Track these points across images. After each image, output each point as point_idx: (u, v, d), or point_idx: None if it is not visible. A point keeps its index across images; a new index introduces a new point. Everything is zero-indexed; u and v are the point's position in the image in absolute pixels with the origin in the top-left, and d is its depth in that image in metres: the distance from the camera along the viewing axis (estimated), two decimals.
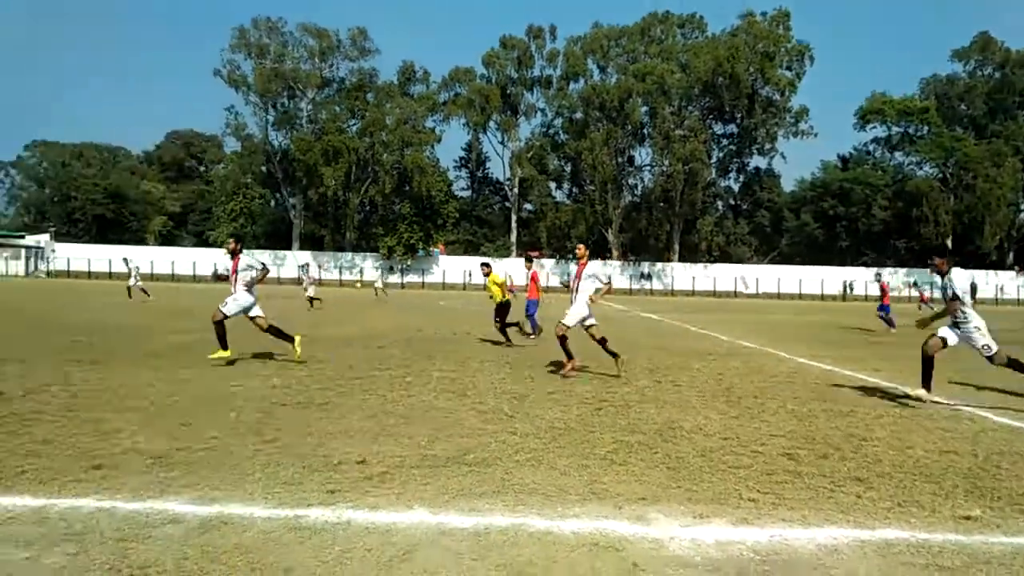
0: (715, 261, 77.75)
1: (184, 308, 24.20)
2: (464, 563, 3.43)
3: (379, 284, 43.93)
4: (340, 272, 73.81)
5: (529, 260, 16.74)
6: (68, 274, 64.57)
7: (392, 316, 23.68)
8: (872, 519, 4.25)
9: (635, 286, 72.69)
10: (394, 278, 72.25)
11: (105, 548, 3.46)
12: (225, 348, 10.28)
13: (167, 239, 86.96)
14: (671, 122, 72.75)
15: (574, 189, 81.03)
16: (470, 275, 69.39)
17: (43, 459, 4.96)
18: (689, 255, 77.41)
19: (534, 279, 16.25)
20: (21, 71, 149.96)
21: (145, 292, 28.19)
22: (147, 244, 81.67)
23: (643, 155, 79.62)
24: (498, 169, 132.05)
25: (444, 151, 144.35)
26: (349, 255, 76.59)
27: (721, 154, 79.51)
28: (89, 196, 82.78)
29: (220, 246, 75.63)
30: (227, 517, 3.95)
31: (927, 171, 78.33)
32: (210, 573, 3.22)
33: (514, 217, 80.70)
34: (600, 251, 79.53)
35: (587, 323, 10.35)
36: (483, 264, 16.10)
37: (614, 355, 10.33)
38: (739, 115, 74.64)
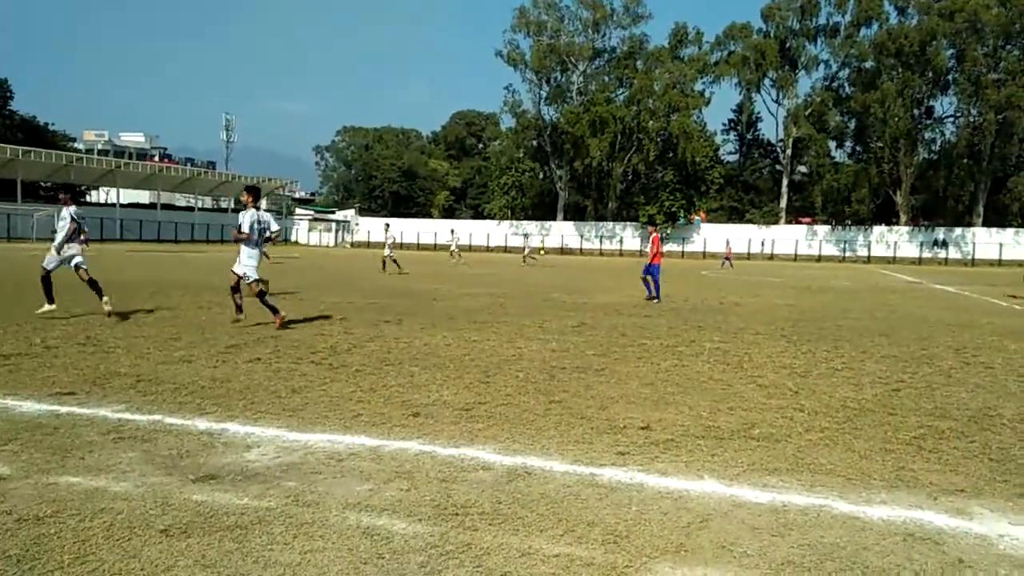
0: None
1: (469, 275, 26.36)
2: (763, 538, 3.39)
3: (387, 252, 42.59)
4: (601, 242, 75.10)
5: (653, 225, 18.24)
6: (368, 244, 73.29)
7: None
8: None
9: (925, 255, 64.61)
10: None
11: (431, 487, 3.95)
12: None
13: (448, 212, 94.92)
14: (983, 65, 62.86)
15: (857, 147, 73.77)
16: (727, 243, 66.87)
17: (371, 405, 5.77)
18: (996, 219, 66.78)
19: (655, 243, 16.87)
20: (328, 62, 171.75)
21: (397, 264, 26.60)
22: (432, 217, 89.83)
23: (944, 105, 70.06)
24: (770, 130, 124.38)
25: (713, 114, 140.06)
26: (610, 224, 77.59)
27: None
28: (387, 175, 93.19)
29: (493, 218, 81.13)
30: (530, 468, 4.29)
31: None
32: (523, 518, 3.54)
33: (785, 181, 75.81)
34: (884, 215, 71.84)
35: None
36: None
37: None
38: None
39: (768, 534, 3.43)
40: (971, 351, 9.69)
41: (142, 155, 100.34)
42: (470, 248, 70.97)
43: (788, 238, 69.92)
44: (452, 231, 46.28)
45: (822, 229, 71.70)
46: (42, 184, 65.30)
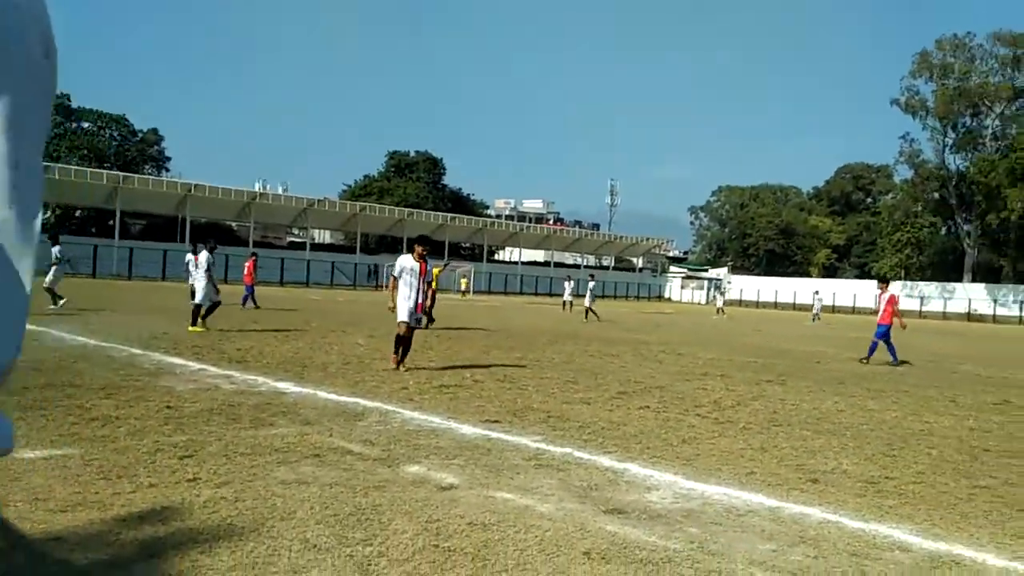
0: None
1: (852, 338, 24.29)
2: None
3: (719, 303, 43.63)
4: (1020, 308, 62.84)
5: (884, 282, 15.98)
6: (740, 303, 71.73)
7: None
8: None
9: None
10: None
11: (840, 559, 3.77)
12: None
13: (829, 271, 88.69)
14: None
15: None
16: None
17: (764, 464, 5.69)
18: None
19: (891, 302, 14.48)
20: (712, 120, 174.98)
21: (595, 314, 26.31)
22: (810, 276, 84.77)
23: None
24: None
25: None
26: None
27: None
28: (762, 233, 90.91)
29: (881, 278, 73.52)
30: (958, 558, 3.85)
31: None
32: None
33: None
34: None
35: None
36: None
37: None
38: None
39: None
40: None
41: (539, 219, 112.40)
42: (854, 310, 65.03)
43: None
44: (816, 292, 44.48)
45: None
46: (463, 245, 77.22)
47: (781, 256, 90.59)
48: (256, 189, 65.37)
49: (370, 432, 6.01)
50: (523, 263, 75.68)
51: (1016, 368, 15.93)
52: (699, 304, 72.96)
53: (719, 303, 44.40)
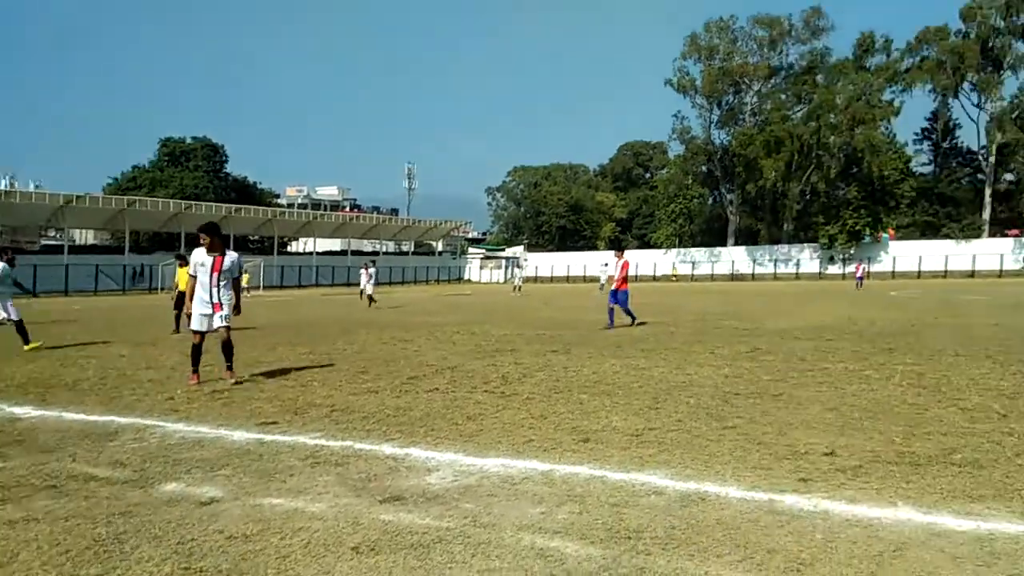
0: None
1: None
2: (967, 568, 3.09)
3: (517, 282, 44.63)
4: (775, 266, 71.52)
5: (620, 250, 16.57)
6: (535, 279, 74.75)
7: (836, 307, 22.14)
8: None
9: None
10: (834, 268, 67.39)
11: (603, 511, 3.97)
12: None
13: (615, 243, 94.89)
14: None
15: None
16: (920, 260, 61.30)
17: (542, 431, 5.90)
18: None
19: (624, 268, 15.69)
20: (504, 107, 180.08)
21: (372, 299, 26.68)
22: (598, 249, 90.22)
23: None
24: (969, 137, 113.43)
25: (902, 125, 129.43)
26: (785, 247, 73.86)
27: None
28: (554, 210, 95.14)
29: (660, 247, 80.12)
30: (704, 494, 4.20)
31: None
32: (698, 543, 3.47)
33: (988, 191, 68.51)
34: None
35: None
36: None
37: None
38: None
39: (972, 564, 3.13)
40: None
41: (335, 207, 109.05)
42: (636, 278, 70.35)
43: (991, 253, 62.74)
44: (604, 264, 47.31)
45: None
46: (251, 237, 72.90)
47: (572, 232, 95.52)
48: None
49: (122, 452, 5.41)
50: (318, 254, 73.16)
51: (767, 319, 17.97)
52: (499, 283, 75.06)
53: (516, 281, 45.91)
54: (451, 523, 3.82)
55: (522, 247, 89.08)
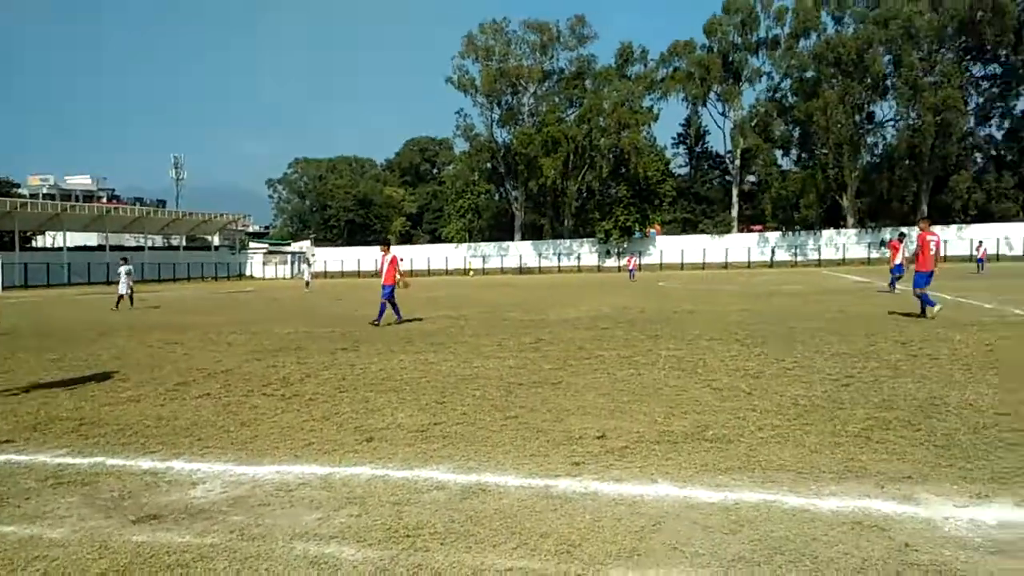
0: (973, 221, 68.43)
1: (424, 298, 26.23)
2: (715, 536, 3.40)
3: (307, 278, 43.66)
4: (559, 259, 75.54)
5: (387, 245, 16.84)
6: (325, 275, 72.53)
7: (613, 298, 23.80)
8: None
9: (874, 255, 66.29)
10: (610, 261, 72.52)
11: (383, 510, 3.88)
12: None
13: (406, 238, 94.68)
14: (919, 69, 65.02)
15: (803, 155, 75.61)
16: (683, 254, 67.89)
17: (323, 433, 5.67)
18: (940, 217, 68.92)
19: (393, 264, 15.84)
20: (282, 98, 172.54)
21: (131, 300, 24.08)
22: (390, 244, 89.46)
23: (884, 110, 72.24)
24: (718, 142, 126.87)
25: (662, 129, 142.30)
26: (567, 242, 78.16)
27: (980, 99, 69.77)
28: (342, 204, 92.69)
29: (451, 241, 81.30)
30: (484, 485, 4.25)
31: None
32: (476, 535, 3.49)
33: (735, 191, 77.27)
34: (832, 219, 73.63)
35: None
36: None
37: None
38: (1003, 52, 65.07)
39: (720, 532, 3.44)
40: (917, 344, 9.92)
41: (89, 197, 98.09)
42: (429, 272, 70.78)
43: (741, 246, 71.13)
44: (401, 259, 47.32)
45: (773, 236, 73.15)
46: None
47: (362, 226, 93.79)
48: None
49: None
50: (70, 249, 65.20)
51: (550, 310, 18.84)
52: (285, 279, 71.84)
53: (306, 277, 44.23)
54: (216, 538, 3.53)
55: (308, 242, 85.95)
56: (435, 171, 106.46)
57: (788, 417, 5.78)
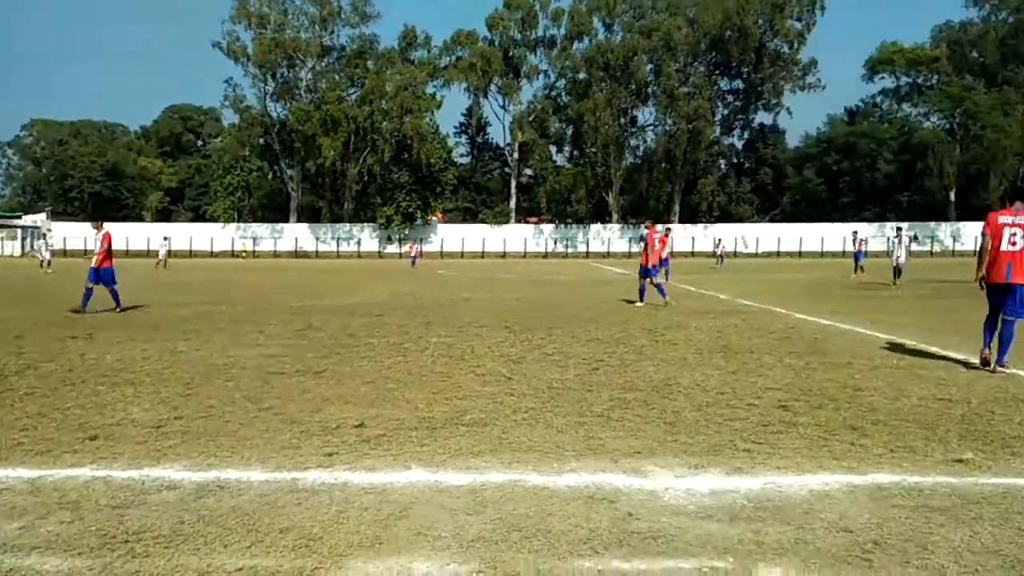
0: (716, 221, 77.33)
1: (182, 282, 24.23)
2: (459, 519, 3.45)
3: (45, 255, 38.20)
4: (338, 244, 73.60)
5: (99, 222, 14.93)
6: (64, 253, 64.42)
7: (392, 285, 23.68)
8: (865, 464, 4.27)
9: (635, 249, 72.51)
10: (392, 248, 72.14)
11: (100, 515, 3.48)
12: None
13: (163, 215, 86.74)
14: (676, 79, 71.75)
15: (575, 152, 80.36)
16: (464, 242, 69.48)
17: (39, 431, 4.98)
18: (690, 216, 77.02)
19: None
20: (17, 49, 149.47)
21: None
22: (144, 220, 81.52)
23: (646, 115, 78.80)
24: (498, 134, 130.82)
25: (444, 117, 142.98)
26: (347, 226, 76.41)
27: (726, 111, 78.66)
28: (86, 174, 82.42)
29: (217, 220, 75.77)
30: (224, 482, 3.97)
31: (934, 122, 76.94)
32: (205, 536, 3.24)
33: (513, 183, 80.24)
34: (600, 214, 79.23)
35: None
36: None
37: None
38: (746, 70, 73.79)
39: (464, 514, 3.51)
40: (661, 330, 10.93)
41: None
42: (191, 254, 65.59)
43: (518, 237, 74.14)
44: (166, 238, 43.82)
45: (548, 228, 77.12)
46: None
47: (110, 200, 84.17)
48: None
49: None
50: None
51: (326, 296, 18.27)
52: (14, 257, 62.83)
53: (43, 255, 38.66)
54: None
55: (44, 215, 75.59)
56: (200, 143, 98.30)
57: (542, 400, 6.07)
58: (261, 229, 75.22)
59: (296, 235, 74.12)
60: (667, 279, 23.30)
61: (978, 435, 4.89)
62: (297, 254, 70.28)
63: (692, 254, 69.20)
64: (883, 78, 79.31)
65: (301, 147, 72.43)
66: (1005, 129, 69.27)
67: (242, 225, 75.26)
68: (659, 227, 20.96)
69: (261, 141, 76.34)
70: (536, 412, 5.62)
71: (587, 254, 71.50)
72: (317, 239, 74.01)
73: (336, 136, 70.20)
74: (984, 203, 72.49)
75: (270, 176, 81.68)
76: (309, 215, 79.33)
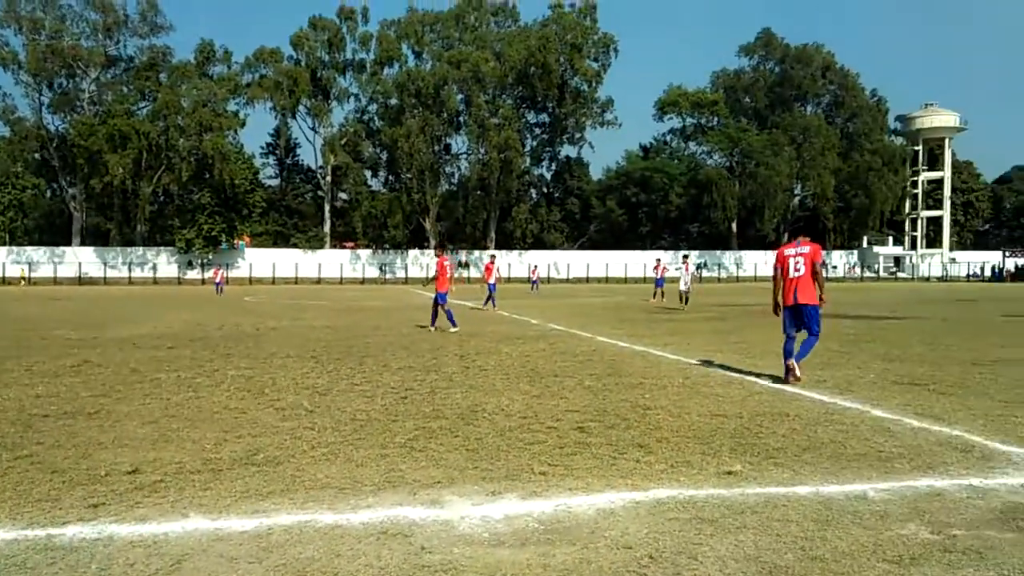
0: (530, 248, 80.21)
1: None
2: (240, 567, 3.22)
3: None
4: (130, 269, 67.54)
5: None
6: None
7: (190, 314, 22.09)
8: (647, 481, 4.55)
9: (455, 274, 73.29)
10: (193, 273, 67.50)
11: None
12: None
13: None
14: (486, 110, 73.81)
15: (390, 177, 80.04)
16: (275, 267, 66.60)
17: None
18: (505, 242, 79.27)
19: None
20: None
21: None
22: None
23: (459, 143, 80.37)
24: (309, 156, 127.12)
25: (249, 137, 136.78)
26: (140, 250, 70.52)
27: (534, 143, 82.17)
28: None
29: None
30: None
31: (717, 160, 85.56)
32: None
33: (327, 207, 78.32)
34: (418, 239, 79.33)
35: None
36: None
37: None
38: (551, 105, 77.57)
39: (245, 562, 3.28)
40: (472, 356, 11.07)
41: None
42: None
43: (334, 262, 72.18)
44: None
45: (364, 253, 75.92)
46: None
47: None
48: None
49: None
50: None
51: (110, 328, 16.64)
52: None
53: None
54: None
55: None
56: None
57: (344, 433, 5.88)
58: (38, 253, 67.49)
59: (80, 259, 67.19)
60: (494, 305, 23.70)
61: (747, 447, 5.38)
62: (81, 280, 63.57)
63: (508, 279, 71.19)
64: (671, 118, 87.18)
65: (85, 163, 65.98)
66: (775, 168, 78.56)
67: (15, 249, 67.05)
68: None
69: (37, 156, 68.71)
70: (336, 446, 5.44)
71: (406, 280, 71.17)
72: (105, 264, 67.49)
73: (125, 153, 64.75)
74: (760, 233, 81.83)
75: (48, 195, 73.64)
76: (95, 238, 72.37)
